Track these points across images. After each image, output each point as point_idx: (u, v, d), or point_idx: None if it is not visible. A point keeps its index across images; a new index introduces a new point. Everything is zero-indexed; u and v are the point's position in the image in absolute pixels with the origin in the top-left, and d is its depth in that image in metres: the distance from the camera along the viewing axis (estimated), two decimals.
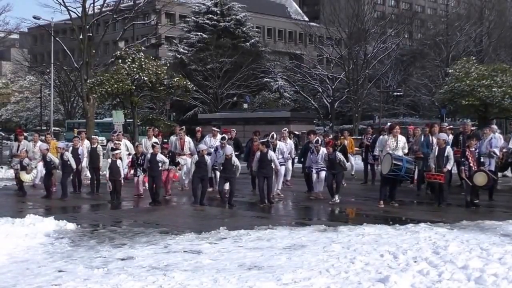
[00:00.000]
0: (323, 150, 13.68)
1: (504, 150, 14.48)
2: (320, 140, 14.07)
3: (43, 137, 17.36)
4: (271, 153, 13.02)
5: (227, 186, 13.34)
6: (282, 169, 14.41)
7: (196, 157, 13.20)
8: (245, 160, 15.67)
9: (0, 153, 24.50)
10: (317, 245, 8.08)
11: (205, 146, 13.80)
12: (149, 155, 13.45)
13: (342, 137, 18.83)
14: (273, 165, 13.10)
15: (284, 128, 16.23)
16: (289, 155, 15.14)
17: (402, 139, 13.31)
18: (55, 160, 14.43)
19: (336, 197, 13.03)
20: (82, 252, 7.96)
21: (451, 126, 18.33)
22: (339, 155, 13.23)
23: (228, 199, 12.96)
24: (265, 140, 13.71)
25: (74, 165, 14.56)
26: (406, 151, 13.13)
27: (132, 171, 14.83)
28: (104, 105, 50.35)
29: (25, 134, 19.32)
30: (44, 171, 14.67)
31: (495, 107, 32.11)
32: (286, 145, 14.93)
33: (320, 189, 13.87)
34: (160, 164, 13.46)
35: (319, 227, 9.57)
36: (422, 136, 14.62)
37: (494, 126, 15.87)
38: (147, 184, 14.06)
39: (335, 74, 52.15)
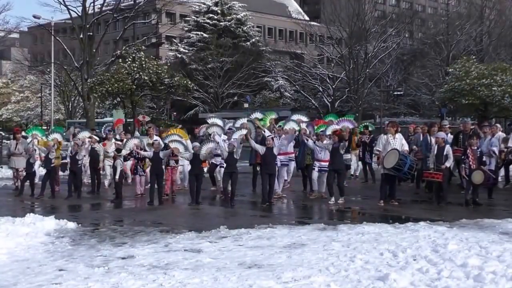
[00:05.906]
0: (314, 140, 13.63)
1: (504, 150, 14.49)
2: (309, 132, 14.00)
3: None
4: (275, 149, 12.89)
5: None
6: (284, 171, 14.28)
7: (190, 155, 13.15)
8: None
9: (0, 153, 24.51)
10: (317, 243, 8.10)
11: (198, 144, 13.64)
12: (151, 154, 13.42)
13: None
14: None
15: (279, 125, 15.95)
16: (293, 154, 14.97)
17: (399, 136, 13.22)
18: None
19: (341, 199, 12.85)
20: (83, 251, 7.99)
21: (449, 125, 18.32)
22: (342, 145, 12.93)
23: (230, 198, 12.79)
24: (271, 136, 13.62)
25: (85, 161, 14.91)
26: (406, 148, 13.04)
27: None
28: (105, 105, 50.20)
29: (24, 133, 19.30)
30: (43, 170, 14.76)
31: (495, 106, 32.11)
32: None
33: (322, 189, 13.77)
34: (163, 161, 13.45)
35: (319, 226, 9.60)
36: (421, 136, 14.63)
37: (498, 125, 15.88)
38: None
39: (336, 74, 52.10)
